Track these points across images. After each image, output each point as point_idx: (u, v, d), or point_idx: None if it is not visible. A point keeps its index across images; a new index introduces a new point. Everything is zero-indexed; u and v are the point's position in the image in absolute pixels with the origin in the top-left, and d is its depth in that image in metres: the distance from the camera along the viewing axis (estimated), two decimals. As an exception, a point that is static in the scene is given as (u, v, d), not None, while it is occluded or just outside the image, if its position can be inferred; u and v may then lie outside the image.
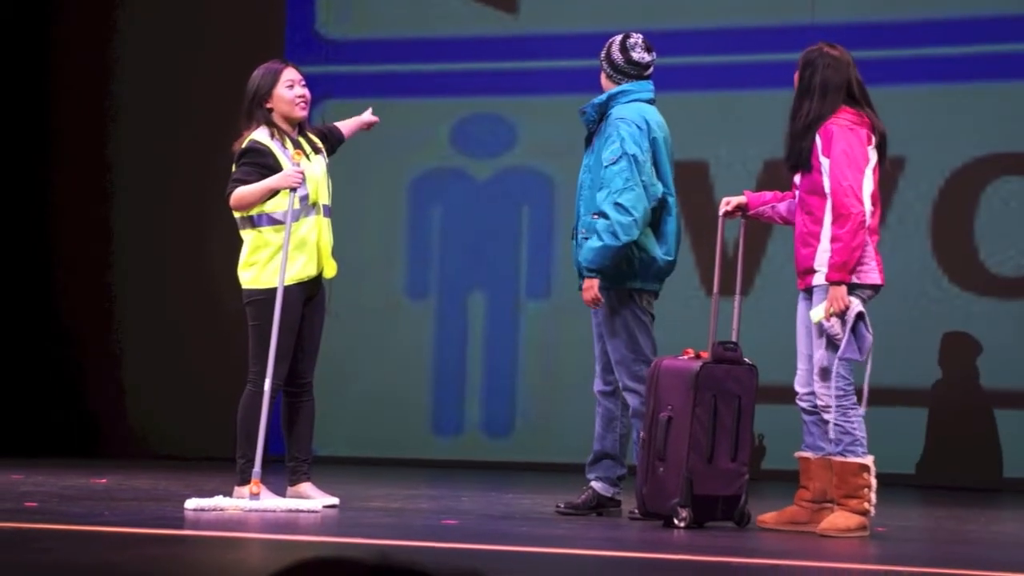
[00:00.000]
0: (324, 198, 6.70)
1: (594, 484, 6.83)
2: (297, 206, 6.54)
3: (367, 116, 7.14)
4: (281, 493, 6.71)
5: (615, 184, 6.61)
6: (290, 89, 6.70)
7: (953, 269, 9.80)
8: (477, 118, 10.74)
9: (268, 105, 6.70)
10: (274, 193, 6.54)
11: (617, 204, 6.59)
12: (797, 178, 6.37)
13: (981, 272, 9.75)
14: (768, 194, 6.51)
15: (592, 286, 6.65)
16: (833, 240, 6.09)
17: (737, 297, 6.53)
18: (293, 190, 6.49)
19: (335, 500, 6.68)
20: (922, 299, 9.64)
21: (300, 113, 6.72)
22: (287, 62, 6.81)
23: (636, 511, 6.46)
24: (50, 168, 11.15)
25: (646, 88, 6.82)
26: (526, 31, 10.65)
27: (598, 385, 6.86)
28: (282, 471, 6.85)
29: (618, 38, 6.87)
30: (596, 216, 6.64)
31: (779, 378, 8.64)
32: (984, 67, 9.84)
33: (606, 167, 6.64)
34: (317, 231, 6.65)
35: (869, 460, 6.13)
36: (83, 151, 11.12)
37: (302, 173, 6.53)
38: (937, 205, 9.83)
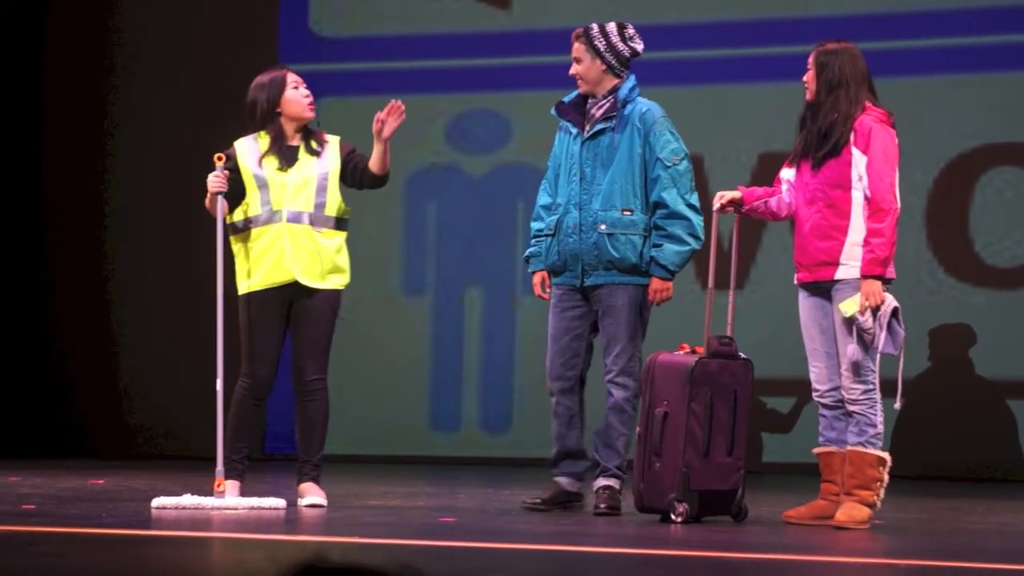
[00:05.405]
0: (294, 205, 6.57)
1: (559, 479, 6.84)
2: (226, 211, 6.59)
3: (378, 123, 6.62)
4: (291, 492, 6.73)
5: (683, 185, 6.65)
6: (296, 90, 6.67)
7: (948, 260, 9.80)
8: (472, 114, 10.73)
9: (278, 110, 6.65)
10: (237, 199, 6.57)
11: (691, 205, 6.64)
12: (789, 173, 6.38)
13: (976, 263, 9.75)
14: (759, 190, 6.52)
15: (670, 287, 6.64)
16: (874, 235, 6.12)
17: (732, 291, 6.53)
18: (220, 194, 6.56)
19: (320, 500, 6.67)
20: (917, 290, 9.63)
21: (310, 114, 6.67)
22: (285, 66, 6.75)
23: (601, 506, 6.54)
24: (43, 167, 11.14)
25: None
26: (520, 27, 10.64)
27: (560, 384, 6.78)
28: (292, 470, 6.89)
29: (612, 28, 6.81)
30: (669, 217, 6.58)
31: (775, 372, 8.67)
32: (978, 58, 9.84)
33: (669, 167, 6.63)
34: (286, 238, 6.55)
35: (887, 455, 6.17)
36: (76, 151, 11.12)
37: (220, 176, 6.54)
38: (931, 196, 9.83)
